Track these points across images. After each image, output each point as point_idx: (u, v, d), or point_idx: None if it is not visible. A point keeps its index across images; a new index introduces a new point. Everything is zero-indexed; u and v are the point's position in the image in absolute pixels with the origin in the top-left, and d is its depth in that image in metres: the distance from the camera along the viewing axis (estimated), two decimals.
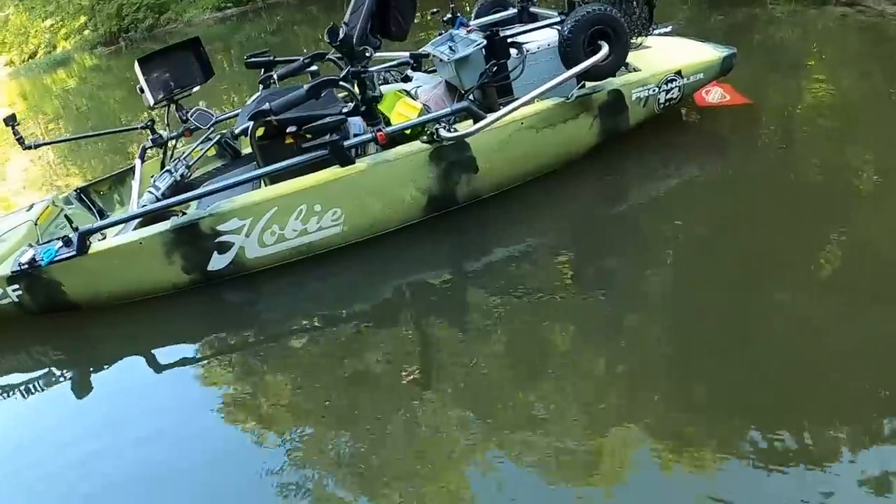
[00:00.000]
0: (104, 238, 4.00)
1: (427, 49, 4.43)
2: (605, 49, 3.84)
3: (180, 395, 3.42)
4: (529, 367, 2.90)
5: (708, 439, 2.41)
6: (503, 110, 3.73)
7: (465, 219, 3.97)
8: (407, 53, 4.70)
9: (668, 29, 4.77)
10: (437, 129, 3.71)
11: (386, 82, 4.61)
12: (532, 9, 4.68)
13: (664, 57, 4.31)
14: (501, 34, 3.99)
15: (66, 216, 4.04)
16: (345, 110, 3.81)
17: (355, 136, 3.94)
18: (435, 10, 4.79)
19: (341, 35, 3.65)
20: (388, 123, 3.91)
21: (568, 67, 3.85)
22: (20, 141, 4.66)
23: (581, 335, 3.06)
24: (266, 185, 3.91)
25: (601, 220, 3.87)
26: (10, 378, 3.90)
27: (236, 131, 4.08)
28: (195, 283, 3.93)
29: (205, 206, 3.86)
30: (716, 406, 2.54)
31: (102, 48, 21.51)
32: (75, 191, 4.81)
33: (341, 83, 3.73)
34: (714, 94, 4.56)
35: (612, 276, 3.38)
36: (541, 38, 4.08)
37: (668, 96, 4.20)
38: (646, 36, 4.25)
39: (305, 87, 3.64)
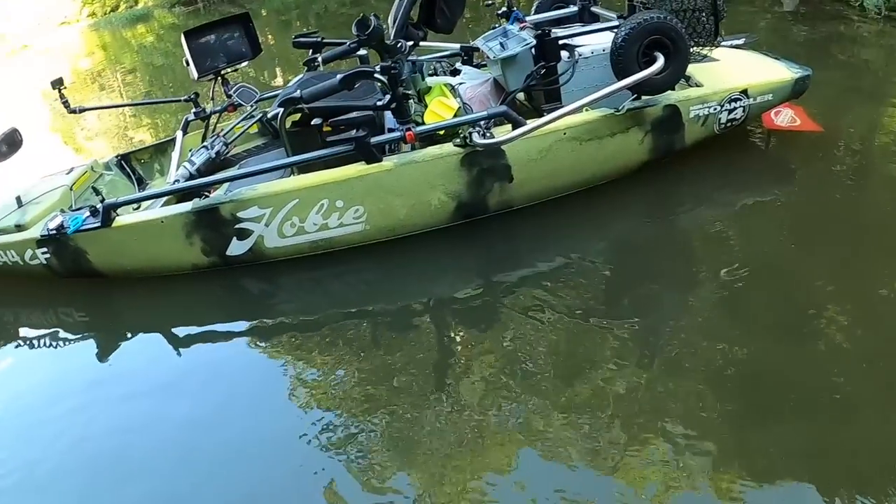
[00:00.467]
0: (139, 208, 3.99)
1: (478, 43, 4.24)
2: (660, 62, 3.56)
3: (190, 369, 3.43)
4: (545, 392, 2.74)
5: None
6: (544, 119, 3.52)
7: (495, 228, 3.79)
8: (458, 45, 4.51)
9: (741, 41, 4.46)
10: (470, 133, 3.52)
11: (435, 73, 4.42)
12: (594, 8, 4.43)
13: (731, 73, 4.00)
14: (553, 34, 3.76)
15: (92, 187, 4.01)
16: (379, 103, 3.65)
17: (390, 130, 3.79)
18: (489, 1, 4.56)
19: (370, 29, 3.45)
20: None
21: (618, 77, 3.59)
22: (66, 105, 4.70)
23: (606, 365, 2.82)
24: (294, 174, 3.80)
25: (643, 243, 3.62)
26: (33, 332, 4.01)
27: (269, 115, 3.98)
28: (214, 266, 3.88)
29: (234, 189, 3.78)
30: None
31: (181, 7, 21.75)
32: (116, 157, 4.82)
33: (376, 75, 3.57)
34: (783, 117, 4.22)
35: (648, 304, 3.13)
36: (596, 42, 3.83)
37: (731, 116, 3.90)
38: (711, 49, 3.93)
39: (339, 76, 3.50)
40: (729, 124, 3.92)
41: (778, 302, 2.99)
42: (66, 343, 3.85)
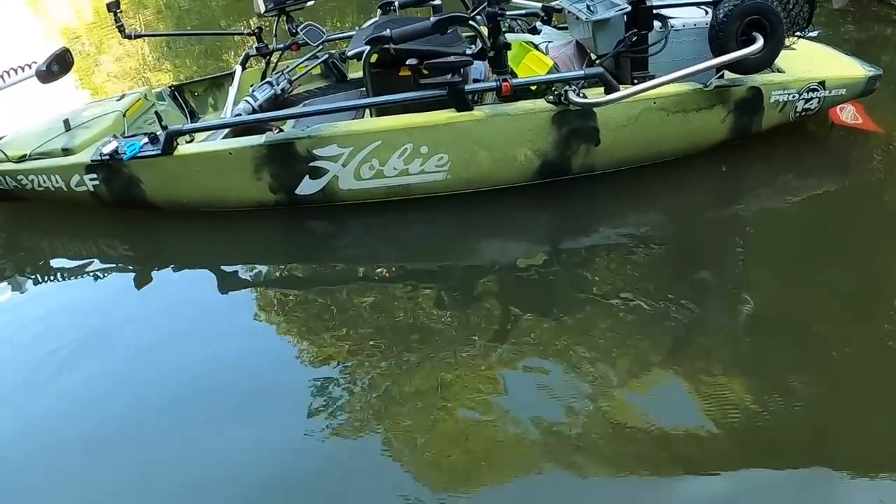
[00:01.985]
0: (192, 140, 3.86)
1: (562, 3, 4.14)
2: (759, 42, 3.51)
3: (237, 311, 3.34)
4: (595, 372, 2.67)
5: None
6: (641, 85, 3.45)
7: (574, 191, 3.71)
8: (538, 4, 4.42)
9: (816, 34, 4.43)
10: (566, 91, 3.44)
11: (511, 30, 4.33)
12: None
13: (809, 63, 3.97)
14: (648, 3, 3.68)
15: (156, 112, 3.90)
16: (469, 52, 3.55)
17: (475, 81, 3.70)
18: None
19: None
20: (512, 74, 3.64)
21: (715, 54, 3.54)
22: (121, 29, 4.52)
23: (655, 350, 2.76)
24: (371, 116, 3.69)
25: (711, 224, 3.59)
26: (72, 262, 3.90)
27: (349, 53, 3.87)
28: (280, 204, 3.77)
29: (303, 127, 3.67)
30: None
31: None
32: (170, 87, 4.68)
33: (471, 22, 3.47)
34: (847, 113, 4.21)
35: (707, 290, 3.09)
36: (688, 16, 3.76)
37: (806, 105, 3.86)
38: (800, 37, 3.90)
39: (433, 19, 3.40)
40: (804, 113, 3.88)
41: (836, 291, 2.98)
42: (107, 273, 3.75)
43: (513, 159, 3.60)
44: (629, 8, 3.64)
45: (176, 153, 3.68)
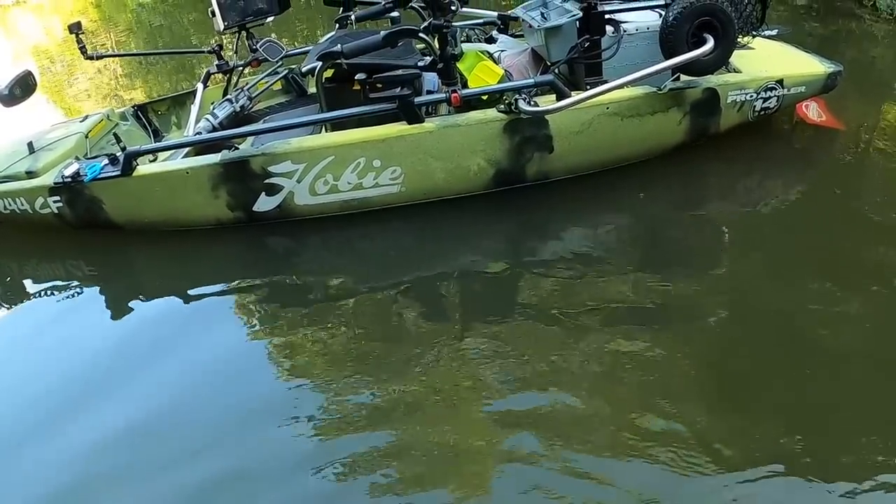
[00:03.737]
0: (155, 160, 3.87)
1: (517, 12, 4.15)
2: (710, 43, 3.51)
3: (202, 327, 3.34)
4: (557, 372, 2.71)
5: None
6: (592, 91, 3.46)
7: (530, 198, 3.72)
8: (495, 13, 4.43)
9: (775, 32, 4.42)
10: (516, 100, 3.45)
11: (468, 40, 4.34)
12: None
13: (767, 62, 3.96)
14: (600, 8, 3.69)
15: (114, 134, 3.90)
16: (420, 64, 3.56)
17: (428, 92, 3.71)
18: None
19: None
20: (464, 85, 3.65)
21: (667, 57, 3.54)
22: (82, 50, 4.50)
23: (614, 359, 2.77)
24: (327, 131, 3.70)
25: (674, 227, 3.60)
26: (37, 284, 3.91)
27: (303, 69, 3.87)
28: (239, 222, 3.78)
29: (259, 144, 3.68)
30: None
31: None
32: (133, 107, 4.69)
33: (421, 34, 3.48)
34: (811, 110, 4.22)
35: (670, 296, 3.07)
36: (640, 20, 3.77)
37: (765, 105, 3.86)
38: (753, 36, 3.90)
39: (382, 33, 3.42)
40: (762, 112, 3.88)
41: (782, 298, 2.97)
42: (74, 295, 3.73)
43: (466, 169, 3.61)
44: (580, 14, 3.65)
45: (135, 173, 3.68)
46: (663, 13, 3.68)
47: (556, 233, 3.64)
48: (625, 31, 3.70)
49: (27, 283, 3.98)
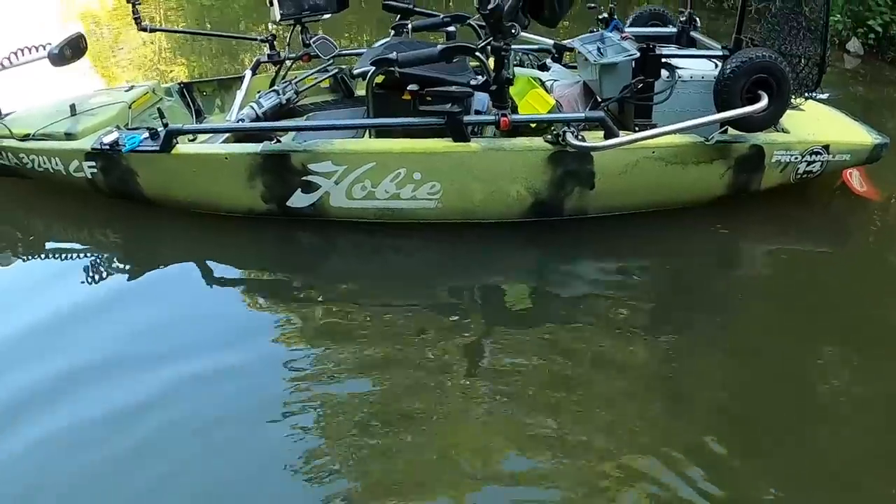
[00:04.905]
0: (194, 140, 3.87)
1: (573, 43, 4.15)
2: (764, 101, 3.49)
3: (218, 312, 3.34)
4: (568, 402, 2.70)
5: None
6: (641, 134, 3.44)
7: (562, 231, 3.71)
8: (551, 41, 4.42)
9: (826, 96, 4.42)
10: (564, 132, 3.43)
11: (521, 64, 4.34)
12: (693, 33, 4.35)
13: (815, 125, 3.94)
14: (657, 51, 3.68)
15: (158, 109, 3.88)
16: (473, 83, 3.56)
17: (476, 112, 3.70)
18: (592, 4, 4.48)
19: (493, 3, 3.36)
20: (513, 109, 3.64)
21: (719, 109, 3.52)
22: (137, 20, 4.54)
23: (631, 398, 2.76)
24: (370, 136, 3.70)
25: (701, 278, 3.57)
26: (62, 245, 3.96)
27: (355, 72, 3.88)
28: (271, 214, 3.76)
29: (302, 139, 3.67)
30: None
31: None
32: (178, 84, 4.70)
33: (478, 53, 3.48)
34: (855, 179, 4.19)
35: (691, 345, 3.06)
36: (695, 68, 3.76)
37: (808, 168, 3.83)
38: (807, 98, 3.88)
39: (439, 47, 3.43)
40: (804, 176, 3.86)
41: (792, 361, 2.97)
42: (96, 262, 3.74)
43: (505, 195, 3.59)
44: (638, 54, 3.64)
45: (174, 151, 3.68)
46: (720, 64, 3.68)
47: (582, 269, 3.63)
48: (679, 77, 3.69)
49: (49, 243, 4.00)
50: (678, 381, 2.84)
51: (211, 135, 4.00)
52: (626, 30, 4.26)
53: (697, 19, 4.43)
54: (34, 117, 4.11)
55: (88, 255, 3.82)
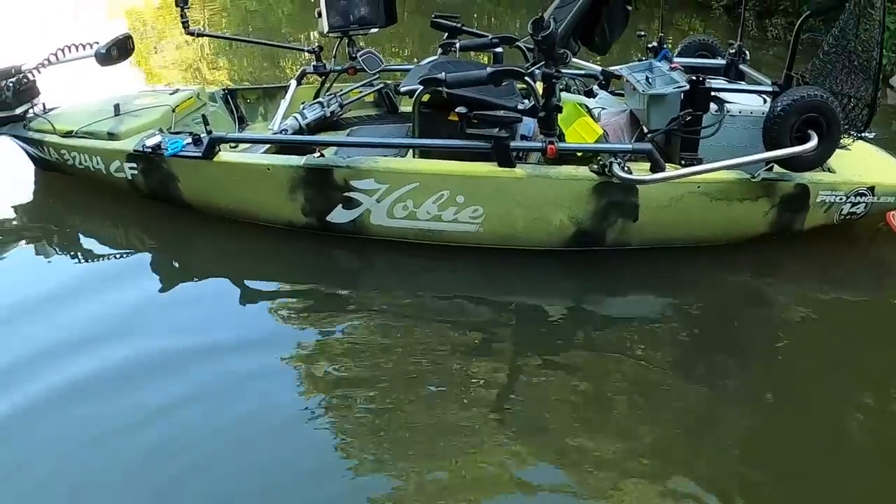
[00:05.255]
0: (236, 147, 3.88)
1: (621, 71, 4.12)
2: (813, 141, 3.44)
3: (250, 324, 3.33)
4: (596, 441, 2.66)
5: None
6: (690, 169, 3.41)
7: (602, 261, 3.68)
8: (598, 68, 4.39)
9: (871, 135, 4.35)
10: (611, 163, 3.40)
11: (567, 89, 4.30)
12: (742, 66, 4.31)
13: (861, 165, 3.87)
14: (707, 85, 3.64)
15: (203, 115, 3.90)
16: (521, 107, 3.53)
17: (522, 137, 3.68)
18: (642, 32, 4.45)
19: (547, 31, 3.34)
20: (560, 136, 3.61)
21: (768, 146, 3.48)
22: (185, 24, 4.59)
23: (662, 436, 2.72)
24: (414, 155, 3.70)
25: (739, 316, 3.50)
26: (96, 244, 3.95)
27: (402, 89, 3.86)
28: (310, 228, 3.76)
29: (344, 155, 3.66)
30: None
31: None
32: (223, 90, 4.72)
33: (527, 78, 3.46)
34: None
35: (725, 384, 3.02)
36: (744, 103, 3.71)
37: (852, 209, 3.77)
38: (855, 139, 3.82)
39: (488, 69, 3.39)
40: (848, 217, 3.80)
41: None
42: (130, 264, 3.77)
43: (547, 223, 3.56)
44: (687, 86, 3.60)
45: (216, 159, 3.69)
46: (769, 99, 3.64)
47: (619, 302, 3.60)
48: (728, 111, 3.65)
49: (84, 240, 4.01)
50: (707, 423, 2.79)
51: (251, 146, 4.00)
52: (675, 60, 4.22)
53: (747, 52, 4.38)
54: (78, 114, 4.16)
55: (122, 255, 3.85)
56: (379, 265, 3.74)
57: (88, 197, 4.24)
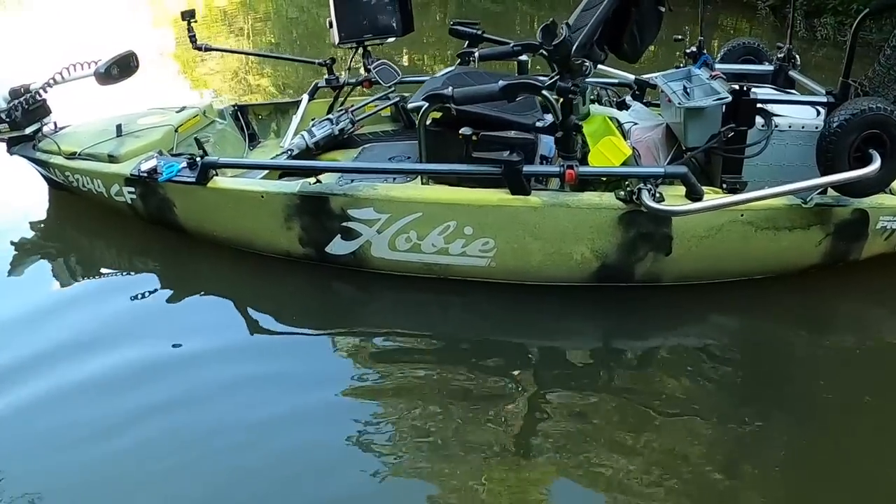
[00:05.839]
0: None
1: (656, 80, 3.73)
2: (876, 163, 2.99)
3: (251, 353, 3.20)
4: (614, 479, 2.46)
5: None
6: (732, 198, 3.01)
7: (630, 297, 3.31)
8: (631, 76, 4.00)
9: None
10: (639, 190, 3.00)
11: (598, 100, 3.91)
12: (792, 73, 3.88)
13: None
14: (752, 95, 3.21)
15: (196, 139, 3.71)
16: (539, 125, 3.17)
17: (543, 157, 3.32)
18: (679, 36, 4.03)
19: (558, 39, 2.94)
20: (585, 154, 3.23)
21: (823, 168, 3.05)
22: (192, 39, 4.52)
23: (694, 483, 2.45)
24: (423, 180, 3.39)
25: (784, 355, 3.12)
26: (103, 266, 3.94)
27: (409, 105, 3.58)
28: (309, 259, 3.51)
29: (343, 181, 3.39)
30: None
31: None
32: (233, 106, 4.56)
33: (545, 92, 3.09)
34: None
35: (766, 432, 2.66)
36: (795, 116, 3.29)
37: None
38: None
39: (501, 83, 3.04)
40: None
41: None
42: (132, 287, 3.61)
43: (567, 257, 3.19)
44: (730, 98, 3.20)
45: (210, 185, 3.50)
46: (823, 111, 3.22)
47: (650, 341, 3.22)
48: (776, 125, 3.24)
49: (90, 261, 3.99)
50: (744, 476, 2.50)
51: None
52: (717, 66, 3.81)
53: (797, 56, 3.95)
54: (82, 135, 4.06)
55: (123, 277, 3.79)
56: (384, 300, 3.46)
57: (99, 213, 4.12)
